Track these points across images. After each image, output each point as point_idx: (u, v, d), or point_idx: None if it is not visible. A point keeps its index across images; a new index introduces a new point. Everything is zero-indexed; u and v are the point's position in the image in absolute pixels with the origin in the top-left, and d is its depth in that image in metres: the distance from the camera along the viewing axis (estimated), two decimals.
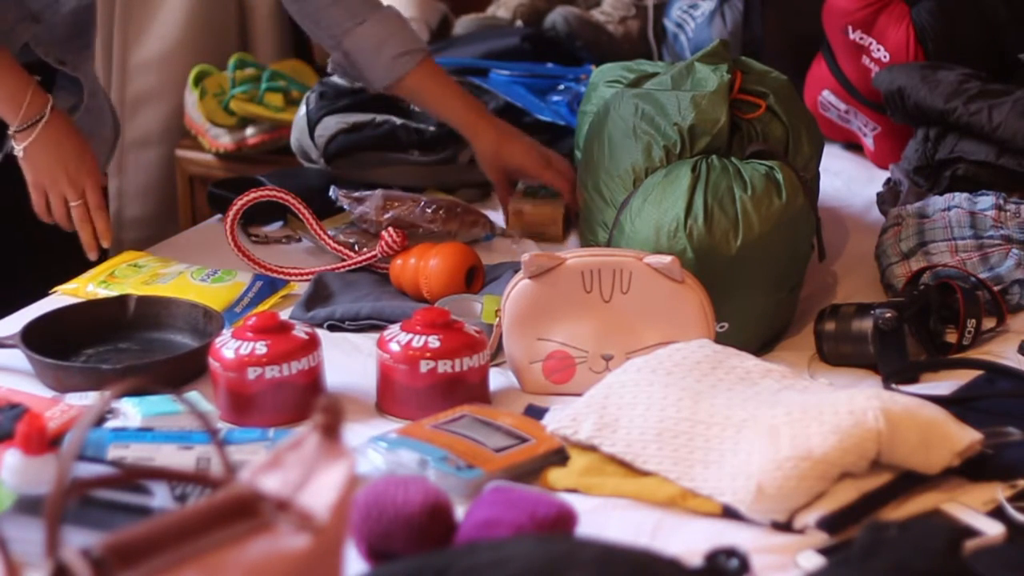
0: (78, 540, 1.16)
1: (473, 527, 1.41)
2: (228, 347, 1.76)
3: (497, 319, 1.89)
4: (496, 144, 2.31)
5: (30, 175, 2.13)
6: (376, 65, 2.30)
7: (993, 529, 1.46)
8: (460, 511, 1.47)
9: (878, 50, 2.55)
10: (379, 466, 1.60)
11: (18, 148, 2.10)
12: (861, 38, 2.57)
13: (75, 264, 2.16)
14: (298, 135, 2.55)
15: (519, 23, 3.03)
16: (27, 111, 2.08)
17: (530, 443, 1.63)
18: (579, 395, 1.68)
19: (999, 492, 1.52)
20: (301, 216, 2.23)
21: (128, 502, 1.45)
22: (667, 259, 1.80)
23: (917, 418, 1.52)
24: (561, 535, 1.39)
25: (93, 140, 2.22)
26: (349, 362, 1.91)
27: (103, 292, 2.08)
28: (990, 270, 2.03)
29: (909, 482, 1.52)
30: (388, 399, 1.79)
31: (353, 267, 2.18)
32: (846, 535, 1.45)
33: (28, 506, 1.42)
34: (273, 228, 2.35)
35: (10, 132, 2.09)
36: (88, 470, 1.52)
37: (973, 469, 1.55)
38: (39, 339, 1.89)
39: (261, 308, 2.05)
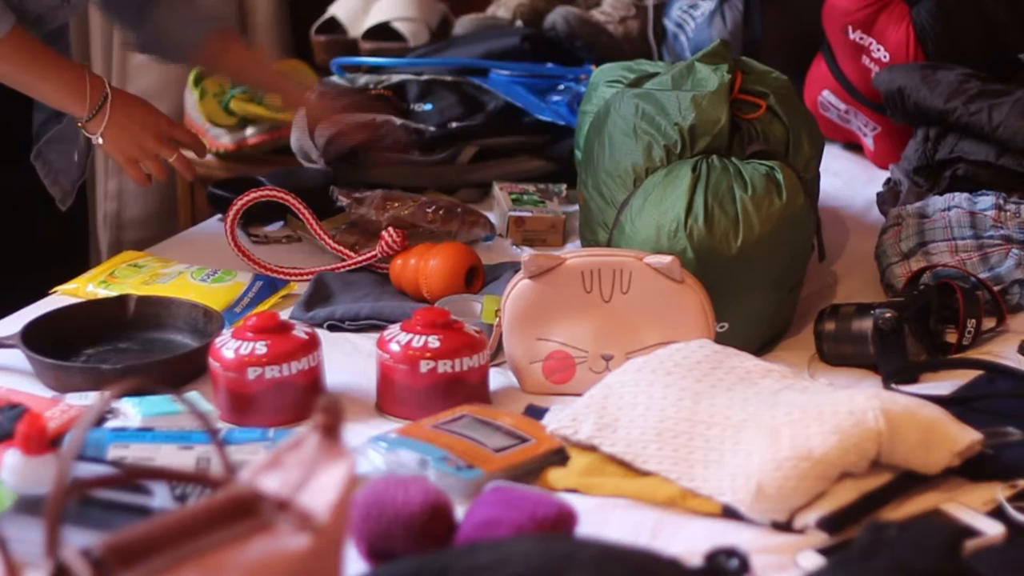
0: (78, 540, 1.16)
1: (473, 527, 1.41)
2: (228, 347, 1.76)
3: (497, 319, 1.89)
4: (299, 98, 2.36)
5: (118, 155, 2.15)
6: (180, 33, 2.29)
7: (993, 529, 1.46)
8: (460, 511, 1.47)
9: (878, 50, 2.56)
10: (379, 466, 1.60)
11: (95, 136, 2.12)
12: (861, 38, 2.57)
13: (75, 264, 2.16)
14: (298, 135, 2.55)
15: (519, 23, 3.04)
16: (91, 98, 2.09)
17: (530, 443, 1.63)
18: (579, 395, 1.68)
19: (999, 492, 1.52)
20: (301, 216, 2.23)
21: (128, 502, 1.45)
22: (667, 259, 1.80)
23: (917, 418, 1.52)
24: (561, 535, 1.39)
25: (67, 154, 2.23)
26: (349, 362, 1.91)
27: (103, 292, 2.08)
28: (990, 270, 2.03)
29: (909, 482, 1.52)
30: (388, 399, 1.79)
31: (353, 267, 2.18)
32: (846, 535, 1.45)
33: (28, 506, 1.42)
34: (273, 228, 2.35)
35: (80, 124, 2.11)
36: (88, 470, 1.52)
37: (973, 469, 1.55)
38: (39, 339, 1.88)
39: (261, 308, 2.05)
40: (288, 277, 2.16)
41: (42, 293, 2.11)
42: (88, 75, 2.09)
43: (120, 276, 2.12)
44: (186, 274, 2.11)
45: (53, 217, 2.28)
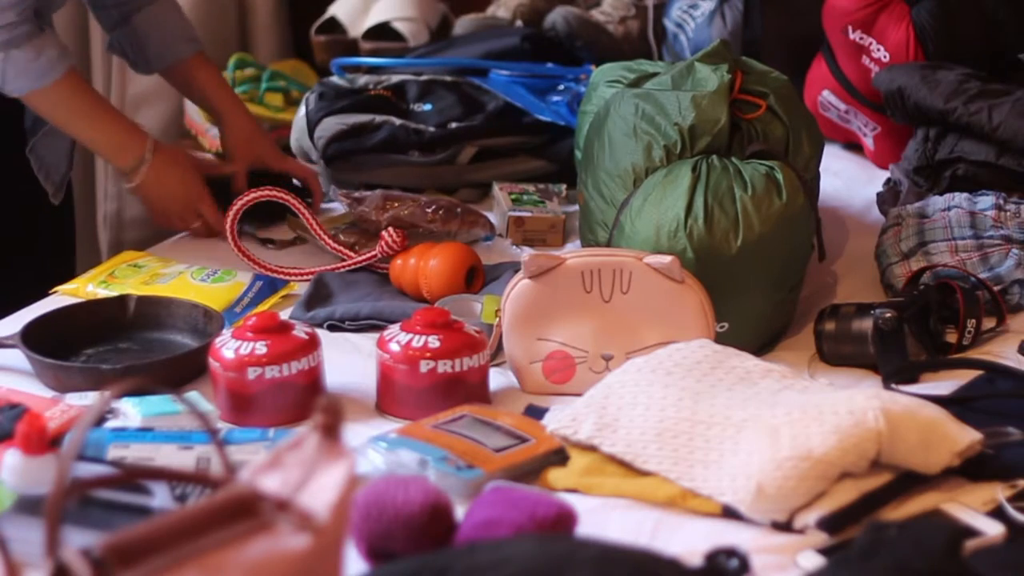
0: (78, 540, 1.16)
1: (473, 527, 1.41)
2: (228, 347, 1.76)
3: (497, 319, 1.89)
4: (250, 132, 2.39)
5: (146, 207, 2.27)
6: (161, 44, 2.35)
7: (993, 529, 1.46)
8: (460, 511, 1.47)
9: (878, 50, 2.56)
10: (379, 466, 1.60)
11: (128, 185, 2.20)
12: (861, 38, 2.57)
13: (75, 264, 2.16)
14: (298, 136, 2.55)
15: (519, 23, 3.03)
16: (132, 156, 2.18)
17: (530, 443, 1.63)
18: (579, 395, 1.68)
19: (999, 492, 1.52)
20: (301, 216, 2.23)
21: (128, 502, 1.45)
22: (667, 259, 1.80)
23: (917, 418, 1.52)
24: (561, 535, 1.39)
25: (56, 148, 2.25)
26: (349, 362, 1.91)
27: (103, 292, 2.08)
28: (990, 270, 2.03)
29: (909, 482, 1.52)
30: (388, 399, 1.79)
31: (353, 267, 2.18)
32: (846, 535, 1.45)
33: (28, 506, 1.42)
34: (278, 229, 2.36)
35: (118, 174, 2.18)
36: (88, 470, 1.52)
37: (973, 469, 1.55)
38: (39, 339, 1.88)
39: (261, 308, 2.05)
40: (288, 277, 2.16)
41: (42, 293, 2.11)
42: (134, 136, 2.18)
43: (120, 276, 2.12)
44: (186, 274, 2.11)
45: (44, 213, 2.30)
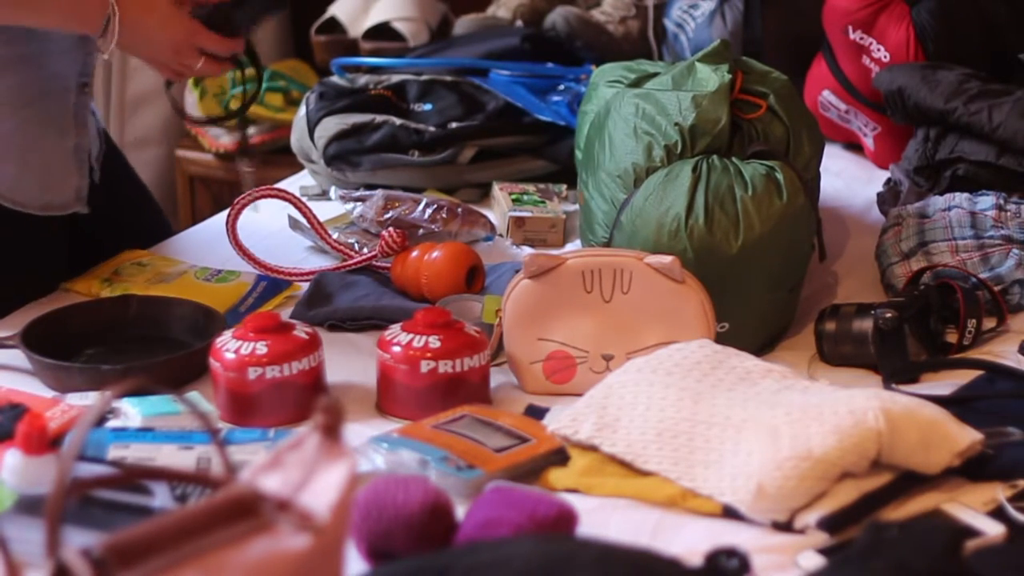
0: (78, 540, 1.16)
1: (473, 527, 1.41)
2: (229, 347, 1.76)
3: (498, 319, 1.89)
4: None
5: (145, 61, 2.08)
6: None
7: (993, 529, 1.46)
8: (460, 511, 1.47)
9: (878, 50, 2.56)
10: (379, 466, 1.60)
11: (107, 49, 2.00)
12: (861, 38, 2.57)
13: (76, 264, 2.16)
14: (298, 135, 2.55)
15: (519, 23, 3.04)
16: (96, 15, 1.96)
17: (530, 443, 1.63)
18: (579, 395, 1.68)
19: (999, 492, 1.52)
20: (303, 215, 2.23)
21: (128, 502, 1.45)
22: (667, 259, 1.80)
23: (917, 418, 1.52)
24: (561, 535, 1.39)
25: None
26: (349, 362, 1.91)
27: (107, 290, 2.08)
28: (990, 270, 2.03)
29: (909, 482, 1.52)
30: (388, 399, 1.79)
31: (353, 267, 2.18)
32: (846, 535, 1.45)
33: (28, 506, 1.42)
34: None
35: (97, 44, 2.01)
36: (88, 470, 1.52)
37: (973, 469, 1.55)
38: (39, 339, 1.88)
39: (265, 309, 2.05)
40: (289, 277, 2.16)
41: (42, 293, 2.10)
42: None
43: (124, 274, 2.12)
44: (190, 273, 2.11)
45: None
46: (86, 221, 2.16)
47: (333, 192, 2.38)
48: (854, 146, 2.72)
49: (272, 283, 2.11)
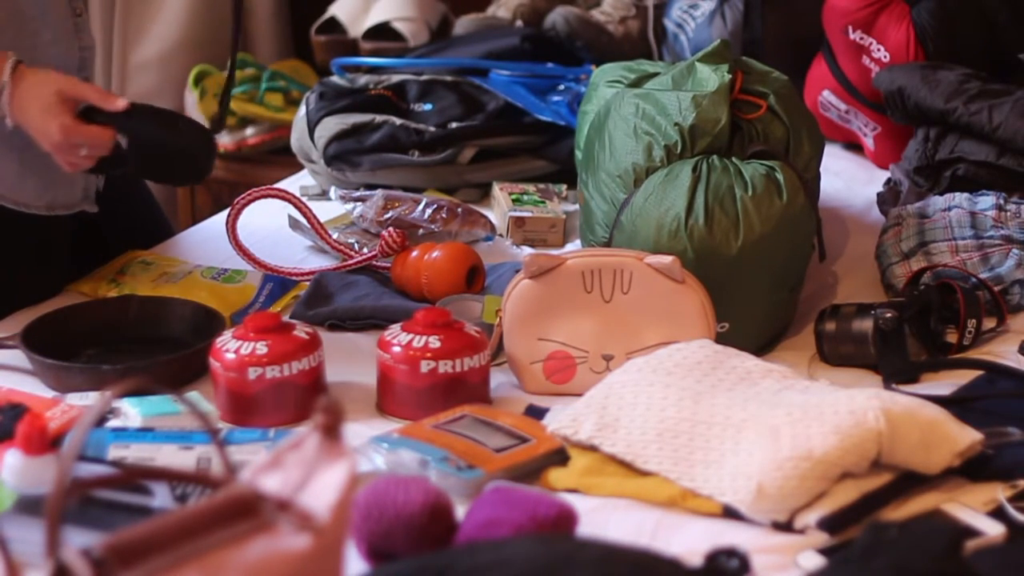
0: (78, 540, 1.16)
1: (473, 527, 1.41)
2: (229, 347, 1.76)
3: (498, 319, 1.89)
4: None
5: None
6: None
7: (993, 529, 1.46)
8: (460, 511, 1.47)
9: (878, 50, 2.56)
10: (380, 466, 1.60)
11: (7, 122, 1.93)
12: (861, 38, 2.57)
13: (76, 264, 2.16)
14: (298, 136, 2.55)
15: (519, 23, 3.04)
16: None
17: (530, 443, 1.63)
18: (580, 395, 1.68)
19: (999, 492, 1.52)
20: (302, 215, 2.23)
21: (128, 502, 1.45)
22: (668, 259, 1.80)
23: (918, 418, 1.52)
24: (561, 535, 1.39)
25: None
26: (349, 362, 1.91)
27: (115, 291, 2.07)
28: (990, 270, 2.03)
29: (909, 482, 1.52)
30: (389, 399, 1.79)
31: (353, 267, 2.18)
32: (847, 535, 1.45)
33: (28, 506, 1.42)
34: None
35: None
36: (88, 470, 1.52)
37: (973, 469, 1.55)
38: (40, 339, 1.88)
39: (272, 309, 2.05)
40: (289, 276, 2.16)
41: (42, 293, 2.10)
42: None
43: (129, 274, 2.12)
44: (195, 273, 2.11)
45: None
46: (91, 221, 2.16)
47: (333, 192, 2.38)
48: (854, 146, 2.72)
49: (278, 284, 2.11)
